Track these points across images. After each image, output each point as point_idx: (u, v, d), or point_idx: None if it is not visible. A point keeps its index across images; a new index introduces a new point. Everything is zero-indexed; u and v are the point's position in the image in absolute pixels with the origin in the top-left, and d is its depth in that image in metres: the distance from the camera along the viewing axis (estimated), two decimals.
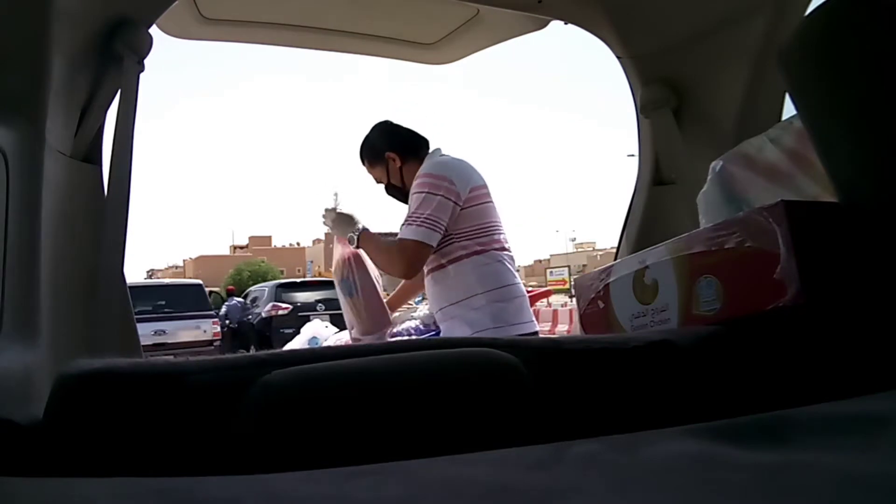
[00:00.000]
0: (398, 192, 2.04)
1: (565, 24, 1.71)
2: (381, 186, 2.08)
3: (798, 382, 0.60)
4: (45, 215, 1.03)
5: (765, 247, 0.72)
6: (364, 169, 2.08)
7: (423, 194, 1.82)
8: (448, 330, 1.90)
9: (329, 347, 0.60)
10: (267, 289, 12.89)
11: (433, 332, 1.96)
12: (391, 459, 0.40)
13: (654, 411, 0.54)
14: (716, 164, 0.97)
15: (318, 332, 2.35)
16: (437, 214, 1.80)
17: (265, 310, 11.93)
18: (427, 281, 1.97)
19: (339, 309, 2.08)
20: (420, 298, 2.32)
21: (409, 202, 1.87)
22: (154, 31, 1.32)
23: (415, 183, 1.88)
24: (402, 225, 1.85)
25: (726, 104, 1.57)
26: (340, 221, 2.01)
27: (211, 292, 12.78)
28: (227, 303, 13.04)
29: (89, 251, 1.22)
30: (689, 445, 0.42)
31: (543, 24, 1.82)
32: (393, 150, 2.01)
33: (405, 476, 0.38)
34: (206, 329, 10.80)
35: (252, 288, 14.76)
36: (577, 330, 1.18)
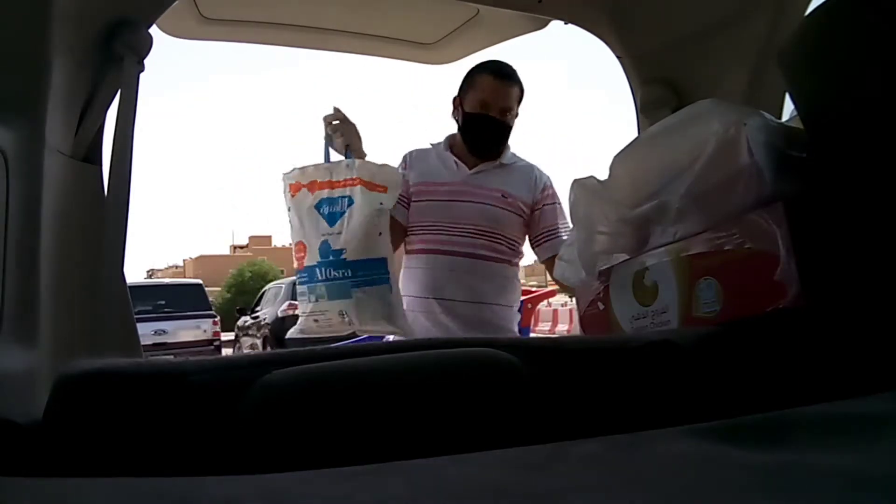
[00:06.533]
0: (505, 133, 1.78)
1: (565, 23, 1.71)
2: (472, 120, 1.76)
3: (798, 383, 0.60)
4: (45, 215, 1.03)
5: (764, 248, 0.72)
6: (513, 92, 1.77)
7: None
8: None
9: (329, 347, 0.60)
10: (283, 286, 11.47)
11: None
12: (391, 459, 0.40)
13: (654, 411, 0.54)
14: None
15: None
16: None
17: (280, 309, 10.61)
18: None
19: None
20: None
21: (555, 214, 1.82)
22: (154, 31, 1.32)
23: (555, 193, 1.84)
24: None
25: None
26: None
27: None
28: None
29: (89, 251, 1.21)
30: (689, 445, 0.42)
31: (543, 24, 1.81)
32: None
33: (405, 476, 0.38)
34: (206, 329, 10.77)
35: (269, 285, 13.91)
36: (577, 330, 1.18)
